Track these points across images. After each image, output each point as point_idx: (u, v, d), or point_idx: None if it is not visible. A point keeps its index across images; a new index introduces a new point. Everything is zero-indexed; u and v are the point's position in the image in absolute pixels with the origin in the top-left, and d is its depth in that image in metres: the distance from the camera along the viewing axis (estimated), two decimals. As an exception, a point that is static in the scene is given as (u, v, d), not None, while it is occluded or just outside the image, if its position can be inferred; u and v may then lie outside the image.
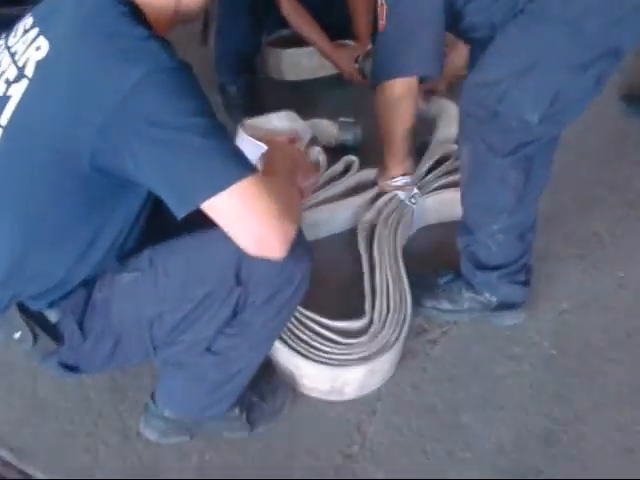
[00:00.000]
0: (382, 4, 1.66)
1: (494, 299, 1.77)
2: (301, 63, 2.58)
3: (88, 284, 1.24)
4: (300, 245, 1.20)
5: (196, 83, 1.07)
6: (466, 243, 1.73)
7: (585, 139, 2.41)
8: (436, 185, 2.05)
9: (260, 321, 1.30)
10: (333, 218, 2.03)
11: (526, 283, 1.78)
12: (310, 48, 2.50)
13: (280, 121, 2.11)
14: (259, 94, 2.54)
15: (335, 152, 2.21)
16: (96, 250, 1.20)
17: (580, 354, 1.78)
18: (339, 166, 2.14)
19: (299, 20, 2.39)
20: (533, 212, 1.68)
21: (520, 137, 1.51)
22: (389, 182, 2.02)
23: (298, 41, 2.52)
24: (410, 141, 1.95)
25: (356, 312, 1.71)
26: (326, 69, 2.54)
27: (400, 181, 2.01)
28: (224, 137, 1.06)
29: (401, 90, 1.78)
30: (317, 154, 2.14)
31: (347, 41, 2.48)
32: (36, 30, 1.15)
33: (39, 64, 1.10)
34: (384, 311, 1.69)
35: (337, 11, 2.48)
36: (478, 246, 1.71)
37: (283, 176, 1.26)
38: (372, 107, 1.89)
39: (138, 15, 1.10)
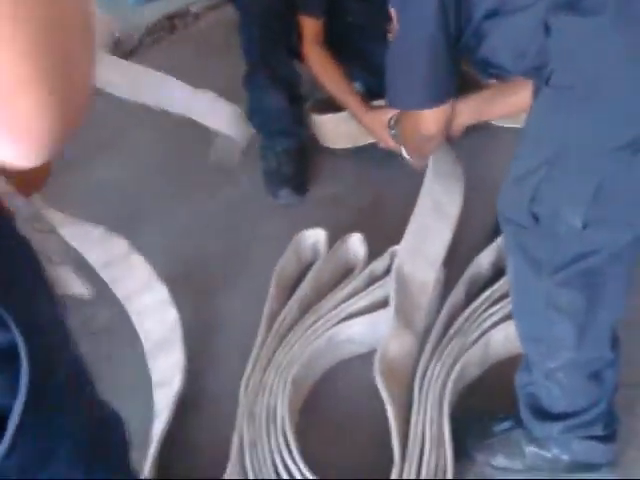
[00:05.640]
0: (392, 12, 1.30)
1: (565, 457, 1.31)
2: (339, 130, 2.11)
3: None
4: None
5: None
6: (525, 382, 1.30)
7: None
8: (498, 317, 1.56)
9: None
10: (374, 331, 1.58)
11: (608, 439, 1.29)
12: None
13: None
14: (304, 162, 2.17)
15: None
16: None
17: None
18: (383, 262, 1.69)
19: (321, 71, 2.02)
20: (607, 343, 1.22)
21: (573, 247, 1.09)
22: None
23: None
24: None
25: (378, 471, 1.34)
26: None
27: None
28: None
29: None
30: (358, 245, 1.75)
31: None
32: None
33: None
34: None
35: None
36: (538, 388, 1.28)
37: None
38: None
39: None
